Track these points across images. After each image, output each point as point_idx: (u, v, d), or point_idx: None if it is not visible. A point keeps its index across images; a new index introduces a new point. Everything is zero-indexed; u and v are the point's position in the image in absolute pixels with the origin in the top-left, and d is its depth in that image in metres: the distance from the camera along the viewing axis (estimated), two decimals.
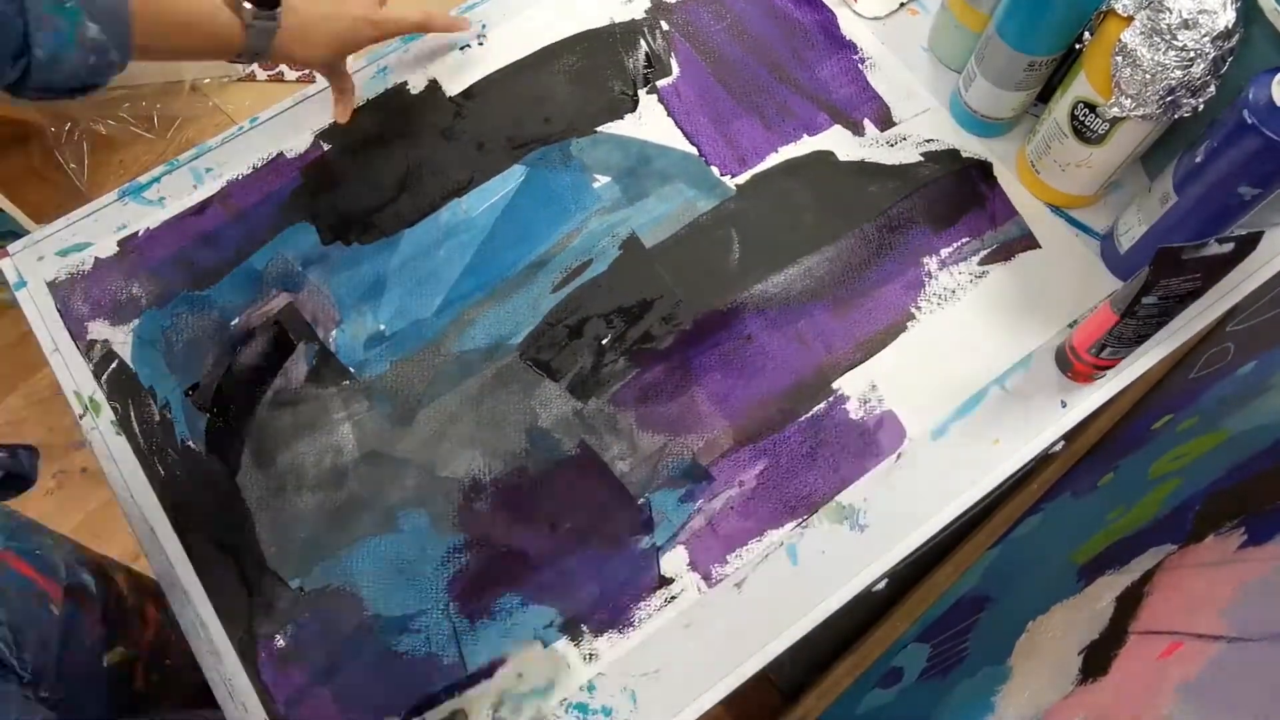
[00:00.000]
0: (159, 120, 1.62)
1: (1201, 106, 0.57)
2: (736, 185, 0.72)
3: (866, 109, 0.75)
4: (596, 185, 0.72)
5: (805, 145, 0.73)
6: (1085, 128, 0.63)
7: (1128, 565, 0.62)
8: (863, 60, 0.77)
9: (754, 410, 0.65)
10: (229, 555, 0.61)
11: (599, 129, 0.74)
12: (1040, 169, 0.69)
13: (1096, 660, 0.56)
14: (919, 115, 0.74)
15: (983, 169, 0.72)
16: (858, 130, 0.74)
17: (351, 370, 0.66)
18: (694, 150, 0.73)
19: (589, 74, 0.76)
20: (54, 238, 0.71)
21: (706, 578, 0.60)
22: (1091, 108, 0.61)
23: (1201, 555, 0.56)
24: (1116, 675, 0.53)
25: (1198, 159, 0.56)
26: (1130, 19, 0.56)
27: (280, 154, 0.73)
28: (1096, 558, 0.68)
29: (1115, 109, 0.59)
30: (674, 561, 0.61)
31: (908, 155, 0.73)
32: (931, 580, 0.94)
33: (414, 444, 0.64)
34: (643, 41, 0.77)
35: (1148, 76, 0.56)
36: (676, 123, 0.74)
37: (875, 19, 0.79)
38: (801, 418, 0.64)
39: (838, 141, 0.73)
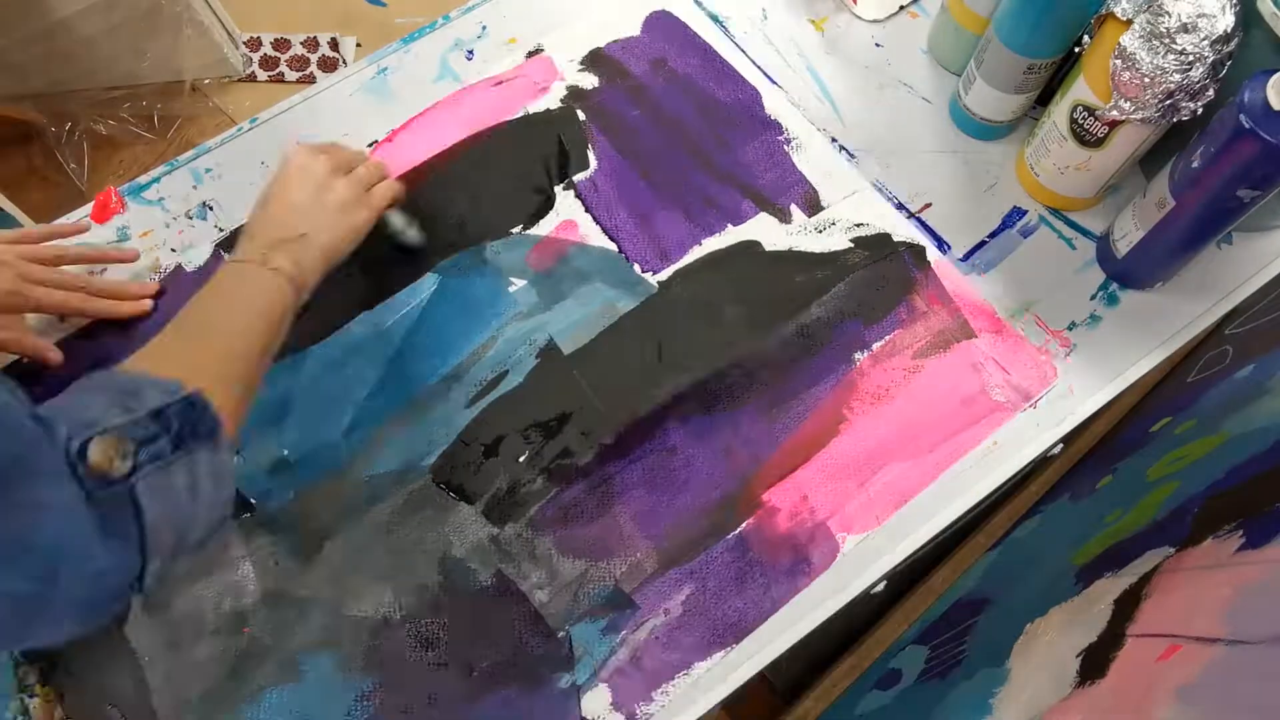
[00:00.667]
0: (159, 120, 1.62)
1: (1200, 110, 0.57)
2: (658, 282, 0.68)
3: (793, 193, 0.71)
4: (513, 289, 0.68)
5: (730, 235, 0.70)
6: (1084, 131, 0.63)
7: (1126, 568, 0.62)
8: (788, 141, 0.73)
9: (679, 529, 0.61)
10: (115, 716, 0.56)
11: (514, 230, 0.71)
12: (1039, 172, 0.69)
13: (1094, 662, 0.56)
14: (848, 197, 0.71)
15: (915, 253, 0.69)
16: (784, 217, 0.70)
17: (253, 501, 0.62)
18: (614, 246, 0.70)
19: (503, 171, 0.73)
20: None
21: (630, 718, 0.57)
22: (1090, 111, 0.61)
23: (1200, 558, 0.56)
24: (1114, 678, 0.53)
25: (1194, 163, 0.56)
26: (1129, 22, 0.56)
27: (179, 266, 0.69)
28: (1095, 560, 0.68)
29: (1114, 112, 0.59)
30: (596, 700, 0.57)
31: (837, 241, 0.69)
32: (930, 582, 0.94)
33: (320, 580, 0.60)
34: (558, 134, 0.74)
35: (1147, 80, 0.56)
36: (595, 219, 0.71)
37: (875, 21, 0.79)
38: (729, 535, 0.61)
39: (764, 230, 0.70)
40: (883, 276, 0.68)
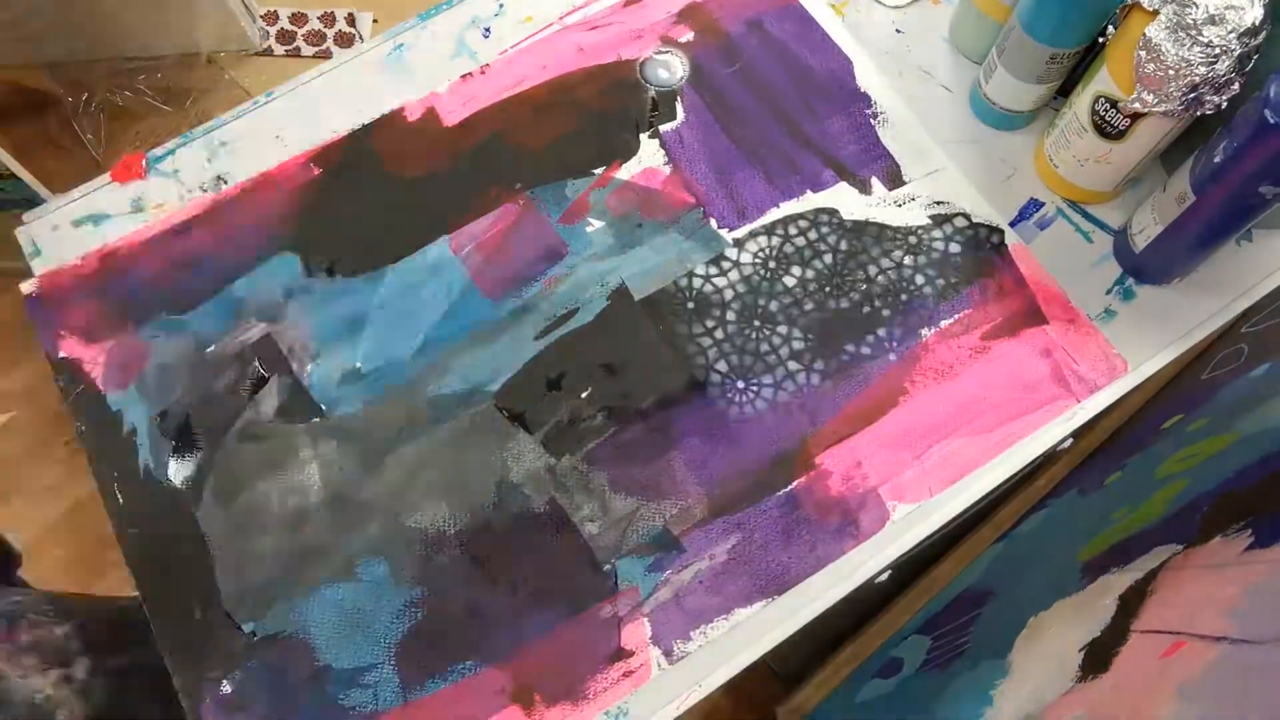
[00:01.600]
0: (175, 92, 1.62)
1: (1224, 104, 0.56)
2: (734, 239, 0.69)
3: (876, 166, 0.71)
4: (590, 230, 0.70)
5: (808, 201, 0.70)
6: (1105, 123, 0.62)
7: (1132, 564, 0.62)
8: (875, 115, 0.73)
9: (732, 480, 0.62)
10: (182, 593, 0.60)
11: (595, 171, 0.72)
12: (1058, 163, 0.68)
13: (1097, 657, 0.56)
14: (930, 175, 0.71)
15: (993, 235, 0.69)
16: (865, 188, 0.71)
17: (323, 407, 0.64)
18: (692, 199, 0.71)
19: (592, 112, 0.74)
20: (69, 208, 0.72)
21: (668, 654, 0.59)
22: (1113, 103, 0.61)
23: (1207, 556, 0.55)
24: (1117, 673, 0.53)
25: (1216, 158, 0.55)
26: (1155, 13, 0.56)
27: (268, 175, 0.72)
28: (1101, 555, 0.68)
29: (1137, 104, 0.58)
30: (635, 634, 0.59)
31: (916, 217, 0.70)
32: (934, 573, 0.94)
33: (380, 489, 0.62)
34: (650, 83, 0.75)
35: (1171, 72, 0.55)
36: (677, 170, 0.72)
37: (896, 7, 0.78)
38: (780, 491, 0.62)
39: (843, 199, 0.70)
40: (959, 255, 0.69)
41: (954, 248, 0.69)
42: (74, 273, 0.69)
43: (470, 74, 0.75)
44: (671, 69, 0.75)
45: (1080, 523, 0.79)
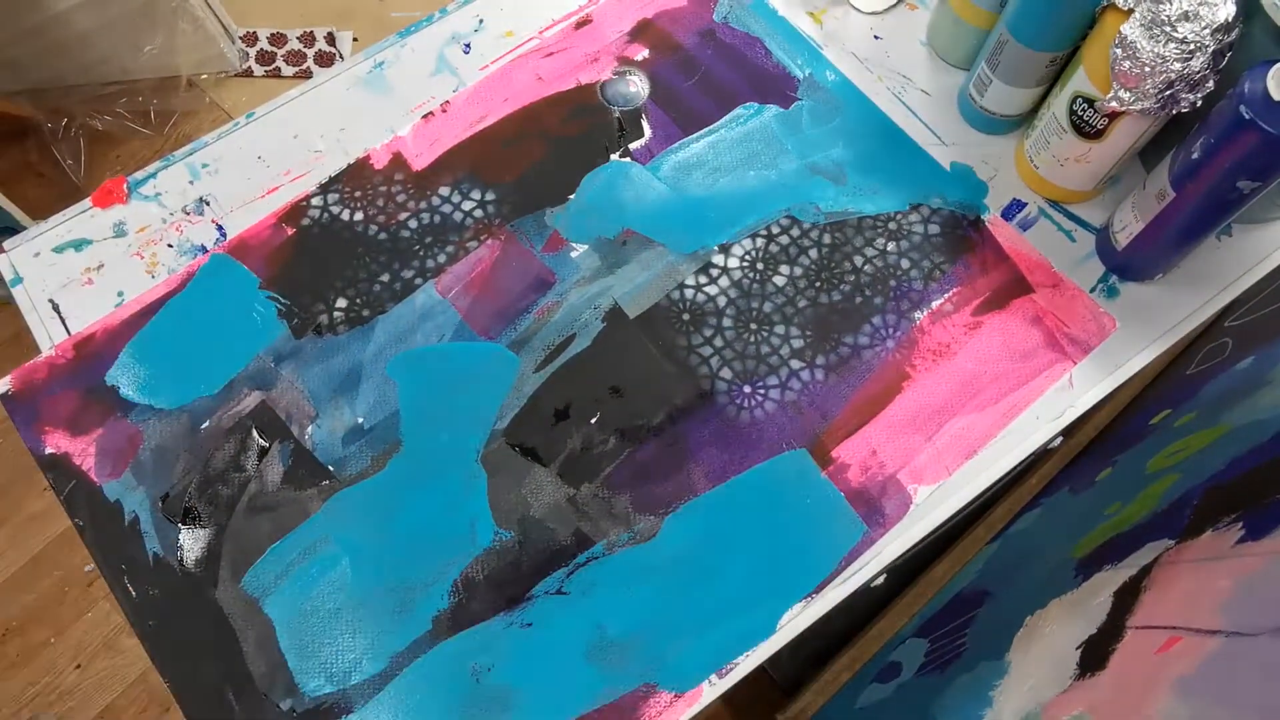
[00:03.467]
0: (155, 116, 1.61)
1: (1200, 102, 0.57)
2: (719, 245, 0.70)
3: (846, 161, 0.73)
4: (574, 255, 0.70)
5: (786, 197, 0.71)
6: (1084, 122, 0.62)
7: (1126, 560, 0.62)
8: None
9: None
10: (211, 679, 0.58)
11: (570, 197, 0.72)
12: (1039, 164, 0.69)
13: (1094, 655, 0.56)
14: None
15: (969, 213, 0.70)
16: (839, 179, 0.72)
17: (330, 469, 0.63)
18: None
19: (560, 139, 0.74)
20: (50, 234, 0.71)
21: (720, 672, 0.58)
22: (1090, 102, 0.61)
23: (1199, 550, 0.56)
24: (1114, 670, 0.53)
25: (1194, 154, 0.56)
26: (1130, 11, 0.56)
27: (241, 238, 0.70)
28: (1094, 553, 0.68)
29: (1114, 103, 0.59)
30: None
31: (893, 202, 0.71)
32: (929, 575, 0.94)
33: (398, 542, 0.61)
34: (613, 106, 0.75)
35: (1147, 69, 0.56)
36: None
37: (873, 13, 0.79)
38: None
39: (820, 192, 0.71)
40: (938, 236, 0.70)
41: (933, 229, 0.70)
42: (49, 363, 0.66)
43: (431, 114, 0.75)
44: (632, 88, 0.75)
45: (1073, 521, 0.79)
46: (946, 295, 0.68)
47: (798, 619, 0.59)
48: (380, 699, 0.57)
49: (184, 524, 0.62)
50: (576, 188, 0.72)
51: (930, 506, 0.62)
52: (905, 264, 0.69)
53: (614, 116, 0.74)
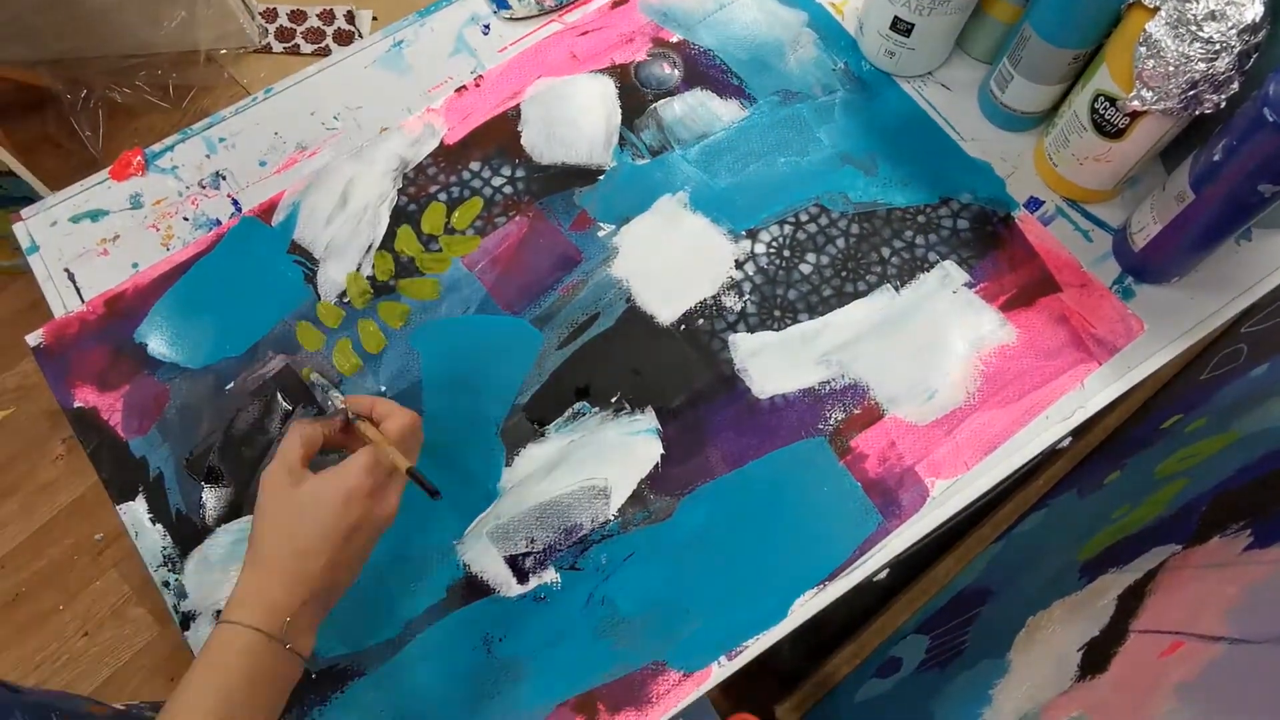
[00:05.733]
0: (174, 90, 1.62)
1: (1223, 103, 0.56)
2: (746, 230, 0.69)
3: (875, 152, 0.72)
4: (602, 234, 0.69)
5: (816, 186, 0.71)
6: (1105, 121, 0.62)
7: (1131, 564, 0.62)
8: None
9: None
10: None
11: (600, 177, 0.71)
12: (1058, 162, 0.68)
13: (1096, 657, 0.56)
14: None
15: (999, 208, 0.70)
16: (870, 170, 0.72)
17: None
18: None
19: (594, 120, 0.73)
20: (67, 203, 0.71)
21: (728, 654, 0.59)
22: (1112, 101, 0.61)
23: (1206, 556, 0.55)
24: (1116, 673, 0.53)
25: (1215, 156, 0.55)
26: (1156, 9, 0.55)
27: (272, 200, 0.70)
28: (1100, 555, 0.68)
29: (1136, 102, 0.58)
30: None
31: (922, 195, 0.71)
32: (933, 572, 0.93)
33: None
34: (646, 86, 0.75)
35: (1171, 69, 0.55)
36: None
37: None
38: None
39: (850, 182, 0.71)
40: (967, 230, 0.69)
41: (962, 224, 0.69)
42: (80, 319, 0.67)
43: (465, 87, 0.75)
44: (666, 70, 0.74)
45: (1079, 523, 0.79)
46: (973, 290, 0.67)
47: (807, 604, 0.59)
48: (393, 662, 0.58)
49: (207, 482, 0.62)
50: (606, 168, 0.72)
51: (938, 502, 0.62)
52: (934, 257, 0.68)
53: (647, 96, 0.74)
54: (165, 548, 0.61)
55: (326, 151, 0.73)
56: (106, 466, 0.63)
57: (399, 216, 0.70)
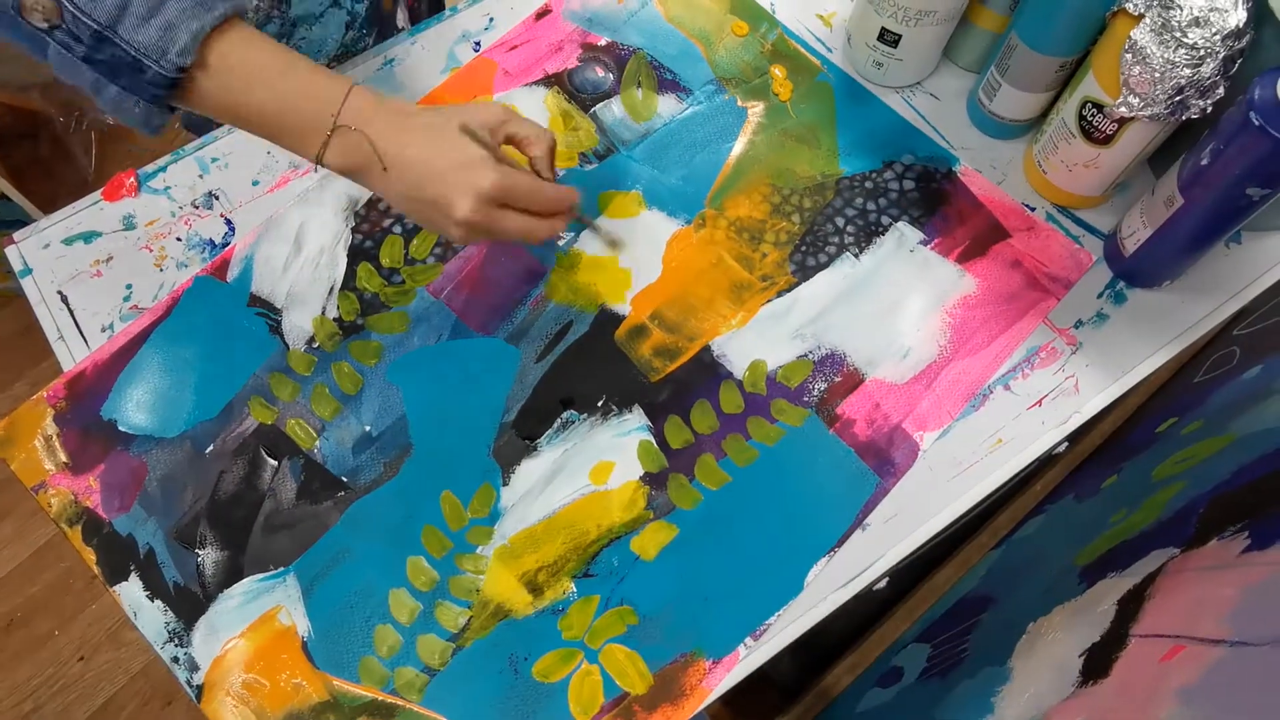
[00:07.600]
0: None
1: (1210, 108, 0.57)
2: (705, 201, 0.71)
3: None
4: (560, 243, 0.70)
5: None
6: (1093, 128, 0.62)
7: (1130, 568, 0.62)
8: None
9: None
10: None
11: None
12: (1047, 169, 0.68)
13: (1097, 662, 0.56)
14: None
15: (940, 165, 0.72)
16: (813, 144, 0.73)
17: (344, 479, 0.63)
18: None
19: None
20: (60, 225, 0.71)
21: (753, 634, 0.59)
22: (1099, 107, 0.61)
23: (1204, 559, 0.55)
24: (1117, 678, 0.53)
25: (1203, 161, 0.56)
26: (1140, 17, 0.56)
27: (223, 258, 0.69)
28: (1099, 560, 0.68)
29: (1123, 108, 0.59)
30: None
31: (869, 162, 0.72)
32: (933, 580, 0.93)
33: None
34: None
35: (1157, 75, 0.56)
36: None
37: None
38: None
39: (795, 158, 0.72)
40: (914, 190, 0.71)
41: (908, 184, 0.71)
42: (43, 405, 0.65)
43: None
44: (600, 72, 0.75)
45: (1077, 527, 0.79)
46: (928, 247, 0.69)
47: (800, 620, 0.59)
48: (422, 702, 0.57)
49: (199, 550, 0.61)
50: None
51: (933, 511, 0.62)
52: (886, 220, 0.70)
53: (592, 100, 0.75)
54: (169, 623, 0.59)
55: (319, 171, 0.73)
56: (94, 550, 0.61)
57: (356, 254, 0.69)
